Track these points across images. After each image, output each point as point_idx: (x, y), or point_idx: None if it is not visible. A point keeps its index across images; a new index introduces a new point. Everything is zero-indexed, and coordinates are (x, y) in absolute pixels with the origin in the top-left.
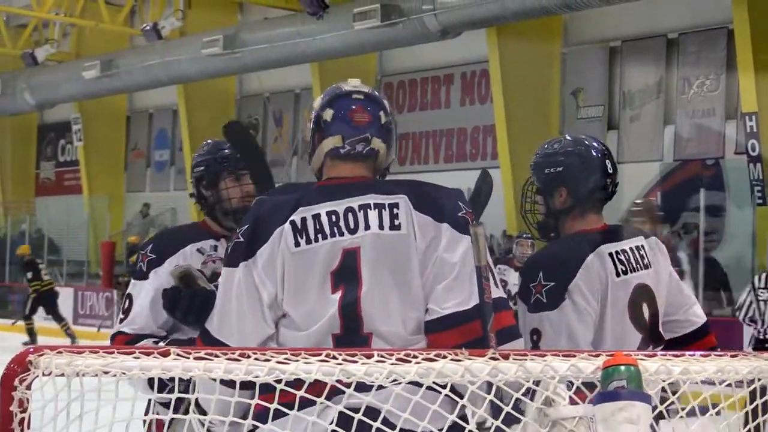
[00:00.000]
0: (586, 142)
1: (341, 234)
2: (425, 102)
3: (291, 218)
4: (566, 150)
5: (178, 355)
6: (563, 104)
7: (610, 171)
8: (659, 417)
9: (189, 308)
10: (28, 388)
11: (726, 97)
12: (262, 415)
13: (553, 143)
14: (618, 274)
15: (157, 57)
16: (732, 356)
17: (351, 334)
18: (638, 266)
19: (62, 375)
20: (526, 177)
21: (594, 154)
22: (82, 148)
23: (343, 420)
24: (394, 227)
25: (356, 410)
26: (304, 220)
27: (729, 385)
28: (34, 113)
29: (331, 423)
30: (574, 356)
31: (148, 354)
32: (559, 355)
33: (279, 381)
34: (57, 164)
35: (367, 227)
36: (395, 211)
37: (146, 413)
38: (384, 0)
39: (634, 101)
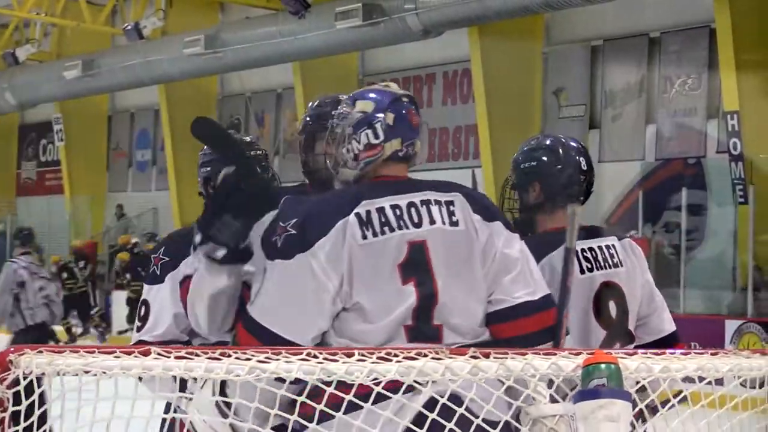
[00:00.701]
0: (563, 140)
1: (406, 227)
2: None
3: (355, 211)
4: (542, 146)
5: (158, 354)
6: (545, 103)
7: (585, 168)
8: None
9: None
10: (9, 387)
11: (708, 96)
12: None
13: (531, 140)
14: (582, 271)
15: (138, 57)
16: (712, 354)
17: (423, 326)
18: (606, 264)
19: (43, 374)
20: (506, 175)
21: (569, 150)
22: (63, 148)
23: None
24: (452, 223)
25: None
26: (368, 212)
27: (709, 382)
28: (15, 113)
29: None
30: (555, 354)
31: (128, 353)
32: (539, 354)
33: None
34: (38, 164)
35: (432, 222)
36: (451, 208)
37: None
38: None
39: (615, 100)
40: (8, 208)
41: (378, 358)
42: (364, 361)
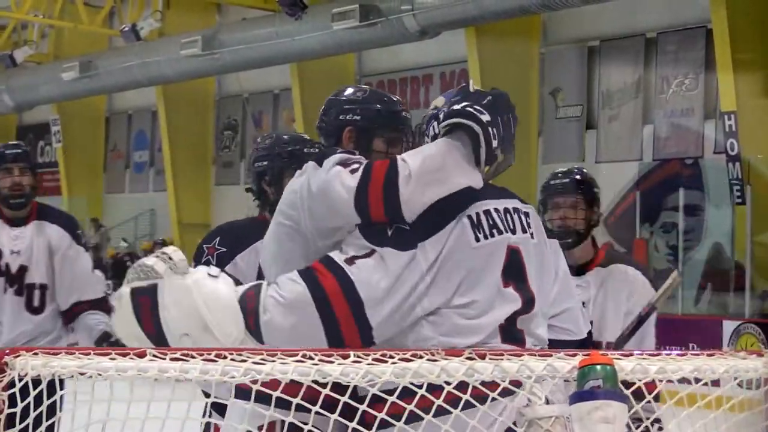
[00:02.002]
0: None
1: (508, 231)
2: (404, 102)
3: (468, 213)
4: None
5: (153, 356)
6: (542, 104)
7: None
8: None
9: None
10: (4, 389)
11: (705, 97)
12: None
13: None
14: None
15: (135, 58)
16: (708, 355)
17: (512, 328)
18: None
19: (38, 376)
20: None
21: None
22: (61, 149)
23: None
24: (531, 235)
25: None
26: (478, 215)
27: (705, 384)
28: (12, 115)
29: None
30: (551, 355)
31: (123, 355)
32: (535, 355)
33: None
34: (36, 166)
35: (524, 230)
36: (528, 219)
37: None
38: (362, 0)
39: (612, 101)
40: None
41: (373, 359)
42: (359, 362)
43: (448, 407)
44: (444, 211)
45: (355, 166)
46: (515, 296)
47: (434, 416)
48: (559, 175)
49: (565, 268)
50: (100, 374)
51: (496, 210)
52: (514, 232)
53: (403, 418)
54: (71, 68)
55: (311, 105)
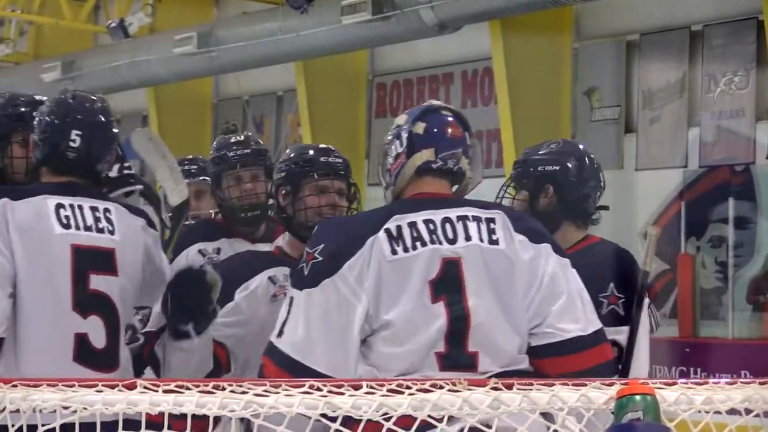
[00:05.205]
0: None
1: (440, 242)
2: (422, 104)
3: (385, 227)
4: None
5: (145, 388)
6: (575, 105)
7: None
8: None
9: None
10: None
11: (756, 96)
12: None
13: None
14: None
15: (124, 57)
16: (761, 383)
17: (457, 353)
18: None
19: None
20: None
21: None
22: None
23: None
24: (492, 242)
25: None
26: (399, 228)
27: (757, 415)
28: None
29: None
30: (585, 385)
31: (112, 387)
32: (568, 384)
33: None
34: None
35: (468, 238)
36: (492, 225)
37: None
38: None
39: (654, 101)
40: None
41: (389, 390)
42: (373, 393)
43: None
44: (358, 233)
45: None
46: (442, 312)
47: None
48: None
49: (552, 272)
50: (85, 408)
51: (428, 221)
52: (453, 241)
53: None
54: (52, 68)
55: (318, 108)
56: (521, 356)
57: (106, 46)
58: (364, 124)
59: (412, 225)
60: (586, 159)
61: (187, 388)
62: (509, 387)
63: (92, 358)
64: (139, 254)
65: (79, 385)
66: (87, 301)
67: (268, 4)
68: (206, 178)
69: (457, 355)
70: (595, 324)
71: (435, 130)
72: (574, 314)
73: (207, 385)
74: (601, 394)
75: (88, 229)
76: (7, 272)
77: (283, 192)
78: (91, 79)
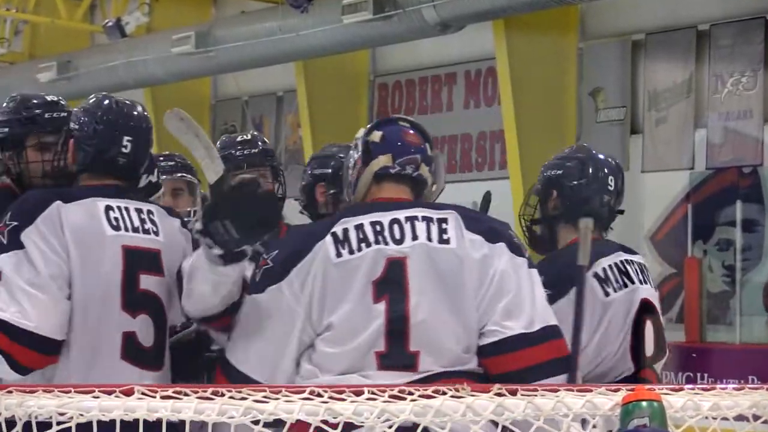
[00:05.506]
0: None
1: (386, 243)
2: (424, 105)
3: (332, 230)
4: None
5: (142, 394)
6: (580, 106)
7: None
8: None
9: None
10: None
11: (764, 97)
12: None
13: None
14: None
15: (120, 57)
16: None
17: (397, 352)
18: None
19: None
20: None
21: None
22: None
23: None
24: (443, 241)
25: None
26: (346, 231)
27: (765, 422)
28: None
29: None
30: (590, 391)
31: (108, 393)
32: (573, 391)
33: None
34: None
35: (415, 238)
36: (444, 225)
37: None
38: None
39: (660, 102)
40: None
41: (390, 396)
42: (374, 400)
43: None
44: (306, 239)
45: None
46: (382, 312)
47: None
48: None
49: (503, 270)
50: (82, 415)
51: (374, 223)
52: (399, 242)
53: None
54: (48, 69)
55: (319, 109)
56: (468, 356)
57: (103, 46)
58: (366, 126)
59: (359, 227)
60: (591, 163)
61: (186, 395)
62: (513, 393)
63: (140, 356)
64: (179, 254)
65: (76, 391)
66: (137, 301)
67: (268, 3)
68: (185, 174)
69: (396, 354)
70: (544, 321)
71: (391, 136)
72: (520, 312)
73: (206, 391)
74: (606, 400)
75: (135, 230)
76: (65, 274)
77: (322, 190)
78: (87, 80)
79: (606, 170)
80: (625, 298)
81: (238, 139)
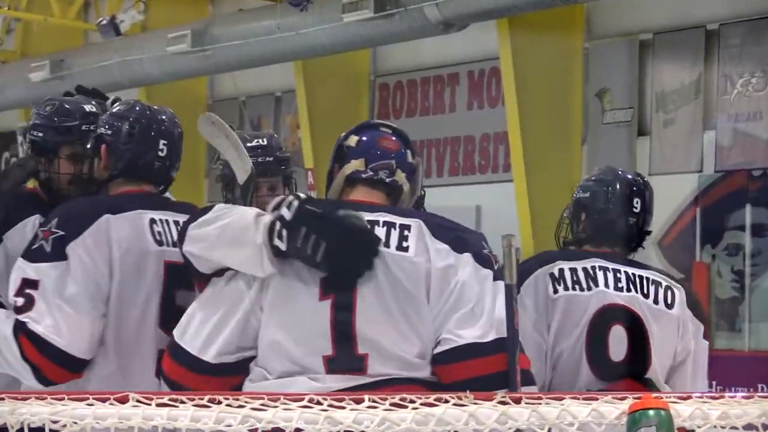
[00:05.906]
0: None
1: None
2: (426, 106)
3: None
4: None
5: (137, 401)
6: (586, 107)
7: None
8: None
9: None
10: None
11: None
12: None
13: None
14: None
15: (115, 56)
16: None
17: (345, 355)
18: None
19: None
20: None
21: (624, 188)
22: None
23: None
24: (401, 248)
25: None
26: None
27: None
28: None
29: None
30: (596, 399)
31: (103, 401)
32: (578, 399)
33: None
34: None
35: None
36: (405, 232)
37: None
38: None
39: (668, 103)
40: None
41: (391, 404)
42: (375, 408)
43: None
44: None
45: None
46: (327, 312)
47: None
48: None
49: (464, 281)
50: (75, 422)
51: None
52: None
53: None
54: (41, 68)
55: (318, 109)
56: (421, 362)
57: (97, 45)
58: None
59: None
60: (616, 185)
61: (182, 402)
62: (517, 401)
63: None
64: None
65: (69, 398)
66: (173, 318)
67: (266, 1)
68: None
69: (345, 357)
70: (500, 333)
71: (366, 141)
72: (476, 322)
73: (202, 398)
74: (612, 408)
75: (174, 245)
76: (103, 292)
77: None
78: (80, 79)
79: (630, 192)
80: (580, 300)
81: (254, 143)
